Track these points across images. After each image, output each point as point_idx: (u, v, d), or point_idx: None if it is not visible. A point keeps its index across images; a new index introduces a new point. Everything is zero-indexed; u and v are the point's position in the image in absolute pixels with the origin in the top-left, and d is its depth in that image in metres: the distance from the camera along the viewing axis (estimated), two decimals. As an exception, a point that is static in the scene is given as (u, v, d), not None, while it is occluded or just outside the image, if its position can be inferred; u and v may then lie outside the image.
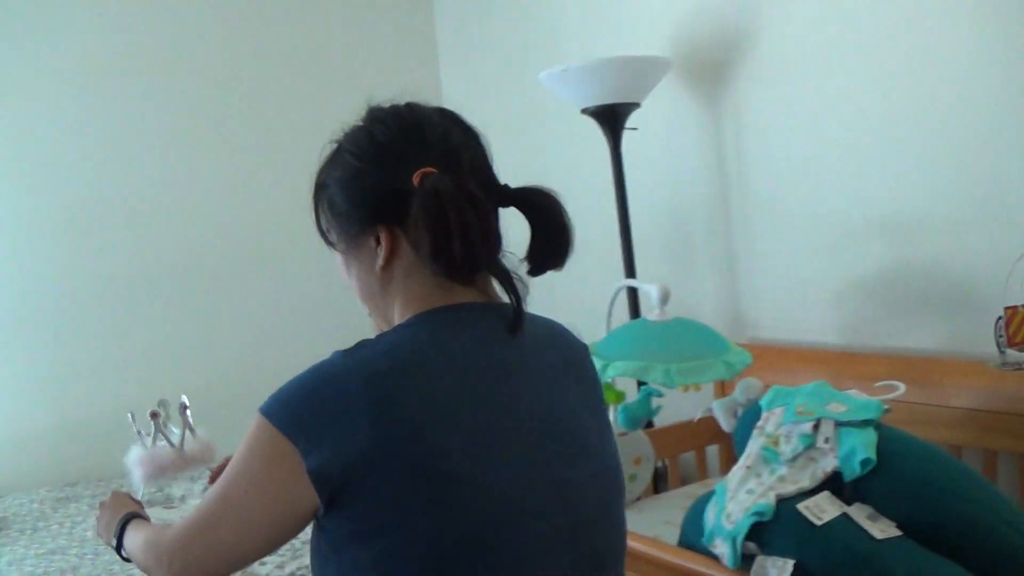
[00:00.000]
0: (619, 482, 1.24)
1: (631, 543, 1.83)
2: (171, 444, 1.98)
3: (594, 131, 2.90)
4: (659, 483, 2.67)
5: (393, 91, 1.26)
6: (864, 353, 2.52)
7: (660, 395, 2.32)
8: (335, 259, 1.26)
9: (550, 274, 1.22)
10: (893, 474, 1.72)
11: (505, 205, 1.20)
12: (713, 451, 2.83)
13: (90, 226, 3.68)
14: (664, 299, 2.30)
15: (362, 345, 1.10)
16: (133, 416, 2.13)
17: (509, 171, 1.25)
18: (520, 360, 1.17)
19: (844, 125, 2.51)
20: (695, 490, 2.46)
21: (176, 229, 3.82)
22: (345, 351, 1.08)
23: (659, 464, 2.60)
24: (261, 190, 3.87)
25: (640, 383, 2.80)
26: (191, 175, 3.84)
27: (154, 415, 2.09)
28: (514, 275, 1.17)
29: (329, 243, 1.24)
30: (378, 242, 1.16)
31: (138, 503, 1.48)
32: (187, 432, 2.06)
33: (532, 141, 3.59)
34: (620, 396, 2.34)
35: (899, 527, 1.64)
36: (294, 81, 3.98)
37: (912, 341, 2.42)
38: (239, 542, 1.11)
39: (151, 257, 3.80)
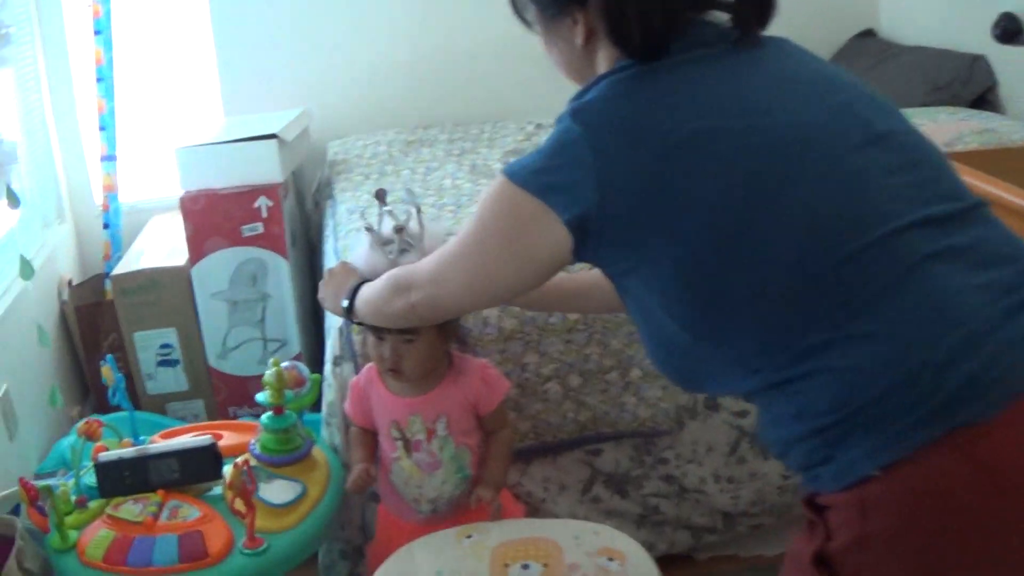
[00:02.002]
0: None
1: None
2: (387, 256, 2.02)
3: None
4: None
5: None
6: None
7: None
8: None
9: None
10: None
11: None
12: None
13: None
14: None
15: (582, 95, 1.17)
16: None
17: None
18: (755, 48, 1.19)
19: None
20: None
21: None
22: (570, 113, 1.15)
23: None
24: None
25: None
26: None
27: (368, 229, 2.14)
28: None
29: (525, 22, 1.29)
30: (575, 21, 1.21)
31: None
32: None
33: None
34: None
35: None
36: None
37: None
38: (478, 287, 1.25)
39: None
